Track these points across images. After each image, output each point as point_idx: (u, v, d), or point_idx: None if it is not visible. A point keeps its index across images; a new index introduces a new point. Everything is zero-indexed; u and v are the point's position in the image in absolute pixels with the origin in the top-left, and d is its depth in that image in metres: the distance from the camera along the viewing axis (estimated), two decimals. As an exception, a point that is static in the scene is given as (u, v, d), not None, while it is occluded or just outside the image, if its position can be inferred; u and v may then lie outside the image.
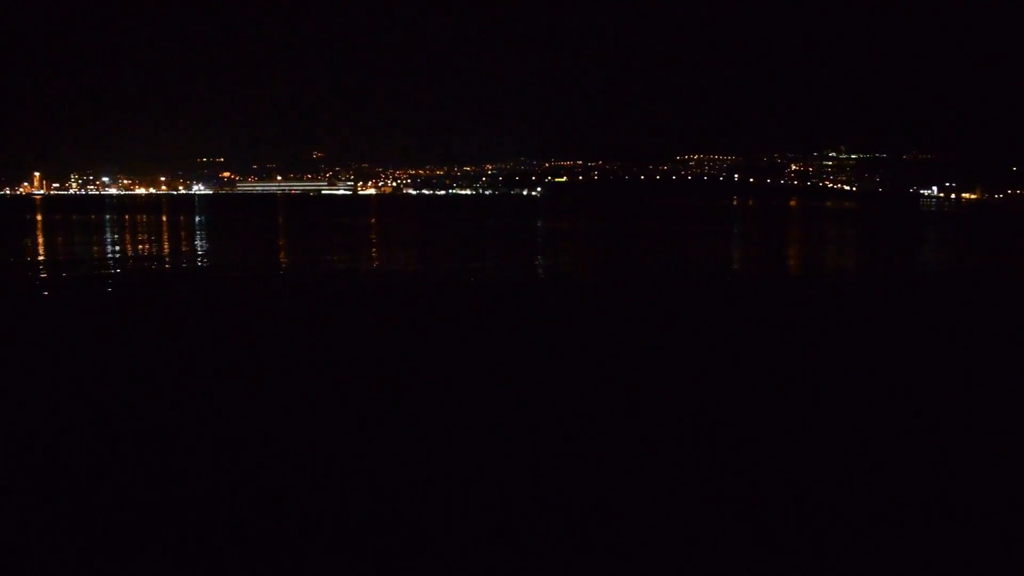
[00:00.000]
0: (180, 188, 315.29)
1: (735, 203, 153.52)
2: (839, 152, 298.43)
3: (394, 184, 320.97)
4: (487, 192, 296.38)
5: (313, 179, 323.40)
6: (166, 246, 32.87)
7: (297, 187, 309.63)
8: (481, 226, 52.50)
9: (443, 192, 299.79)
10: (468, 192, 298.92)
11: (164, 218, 63.20)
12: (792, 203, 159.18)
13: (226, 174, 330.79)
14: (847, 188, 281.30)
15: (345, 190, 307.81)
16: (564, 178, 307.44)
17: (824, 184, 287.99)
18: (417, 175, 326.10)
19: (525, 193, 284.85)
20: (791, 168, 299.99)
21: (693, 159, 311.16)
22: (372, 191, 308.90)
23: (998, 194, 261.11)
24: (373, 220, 63.23)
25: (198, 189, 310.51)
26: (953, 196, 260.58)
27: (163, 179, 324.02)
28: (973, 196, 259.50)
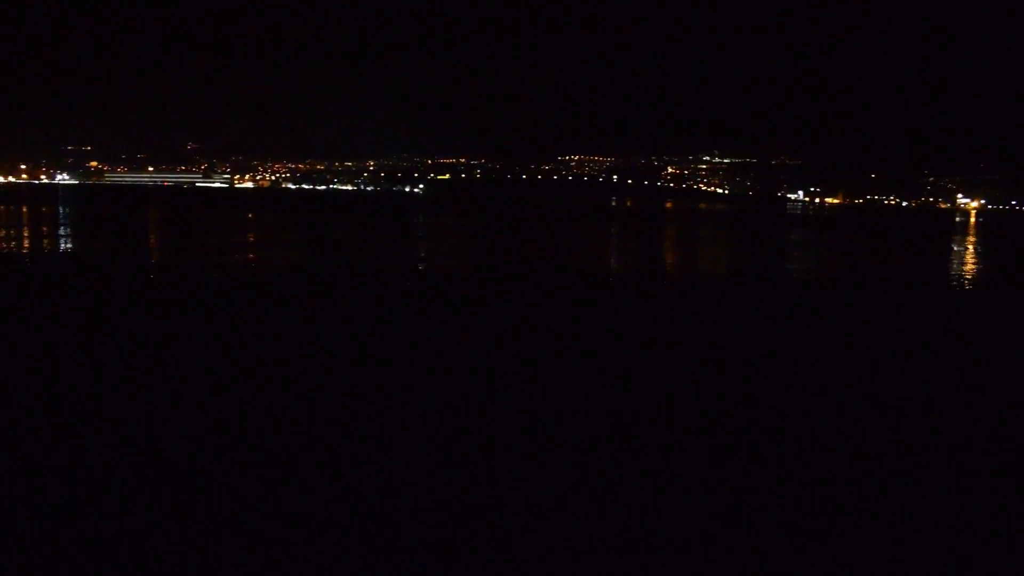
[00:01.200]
0: (42, 178, 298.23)
1: (614, 203, 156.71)
2: (713, 156, 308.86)
3: (273, 178, 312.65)
4: (369, 188, 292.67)
5: (187, 171, 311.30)
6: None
7: (170, 179, 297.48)
8: (363, 223, 51.91)
9: (323, 187, 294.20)
10: (349, 188, 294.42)
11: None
12: (668, 205, 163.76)
13: (93, 164, 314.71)
14: (720, 191, 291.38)
15: (221, 183, 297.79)
16: (447, 175, 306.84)
17: (699, 186, 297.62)
18: (297, 169, 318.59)
19: (408, 190, 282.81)
20: (668, 170, 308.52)
21: (574, 159, 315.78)
22: (249, 185, 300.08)
23: (858, 199, 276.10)
24: (250, 215, 61.61)
25: (62, 179, 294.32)
26: (817, 200, 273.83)
27: (23, 167, 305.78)
28: (836, 200, 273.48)
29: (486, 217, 65.42)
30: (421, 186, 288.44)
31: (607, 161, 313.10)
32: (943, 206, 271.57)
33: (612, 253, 32.71)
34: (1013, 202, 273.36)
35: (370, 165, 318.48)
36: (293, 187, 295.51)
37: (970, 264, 32.12)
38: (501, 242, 36.59)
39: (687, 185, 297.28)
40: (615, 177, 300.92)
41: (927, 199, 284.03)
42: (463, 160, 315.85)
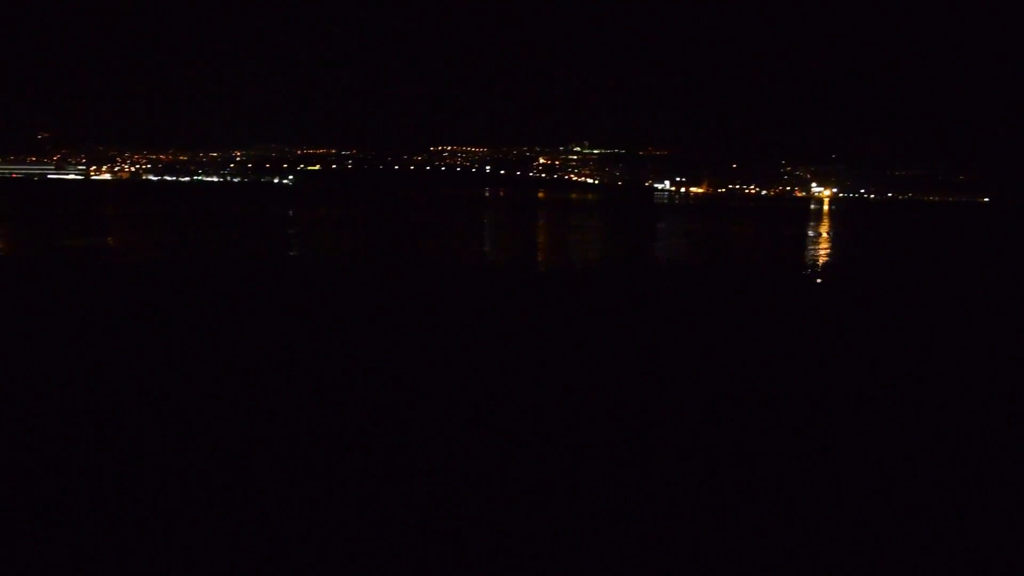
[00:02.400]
0: None
1: (487, 194, 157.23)
2: (583, 147, 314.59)
3: (133, 169, 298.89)
4: (235, 179, 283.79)
5: (38, 162, 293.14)
6: None
7: (19, 170, 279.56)
8: (225, 214, 50.22)
9: (187, 179, 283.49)
10: (215, 179, 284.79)
11: None
12: (540, 194, 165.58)
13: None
14: (590, 181, 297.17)
15: (76, 175, 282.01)
16: (317, 166, 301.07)
17: (570, 177, 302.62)
18: (158, 160, 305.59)
19: (277, 181, 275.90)
20: (539, 161, 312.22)
21: (447, 150, 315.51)
22: (107, 176, 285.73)
23: (721, 188, 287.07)
24: (108, 208, 58.65)
25: None
26: (683, 189, 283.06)
27: None
28: (700, 190, 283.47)
29: (358, 208, 64.48)
30: (291, 177, 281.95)
31: (480, 152, 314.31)
32: (799, 194, 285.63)
33: (488, 242, 32.76)
34: (861, 190, 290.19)
35: (237, 155, 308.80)
36: (155, 178, 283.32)
37: (822, 249, 33.82)
38: (374, 233, 36.12)
39: (558, 175, 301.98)
40: (488, 168, 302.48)
41: (784, 188, 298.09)
42: (334, 151, 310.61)
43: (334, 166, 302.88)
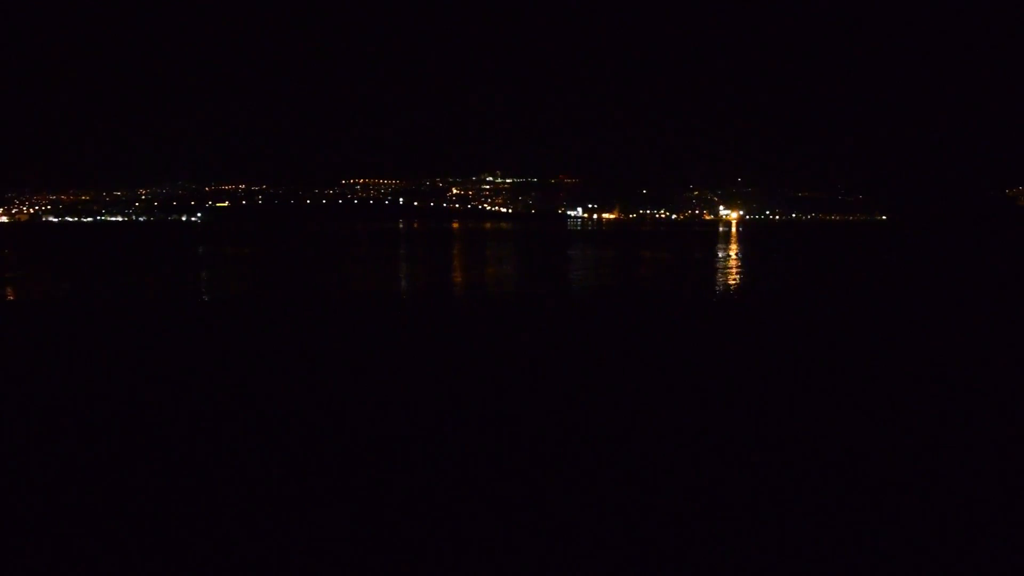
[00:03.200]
0: None
1: (401, 226, 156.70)
2: (495, 176, 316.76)
3: (32, 211, 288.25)
4: (142, 218, 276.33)
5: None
6: None
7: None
8: (125, 257, 48.65)
9: (90, 219, 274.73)
10: (120, 219, 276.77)
11: None
12: (455, 225, 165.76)
13: None
14: (504, 210, 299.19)
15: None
16: (227, 203, 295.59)
17: (483, 206, 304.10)
18: (59, 200, 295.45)
19: (184, 219, 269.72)
20: (452, 192, 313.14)
21: (360, 183, 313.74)
22: (4, 219, 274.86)
23: (632, 214, 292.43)
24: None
25: None
26: (596, 216, 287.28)
27: None
28: (612, 215, 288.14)
29: (269, 245, 63.29)
30: (199, 214, 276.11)
31: (393, 184, 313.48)
32: (708, 217, 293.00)
33: (401, 275, 32.45)
34: (767, 212, 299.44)
35: (143, 194, 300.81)
36: (55, 220, 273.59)
37: (732, 268, 34.55)
38: (285, 270, 35.41)
39: (472, 205, 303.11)
40: (401, 200, 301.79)
41: (693, 211, 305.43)
42: (243, 186, 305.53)
43: (244, 202, 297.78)
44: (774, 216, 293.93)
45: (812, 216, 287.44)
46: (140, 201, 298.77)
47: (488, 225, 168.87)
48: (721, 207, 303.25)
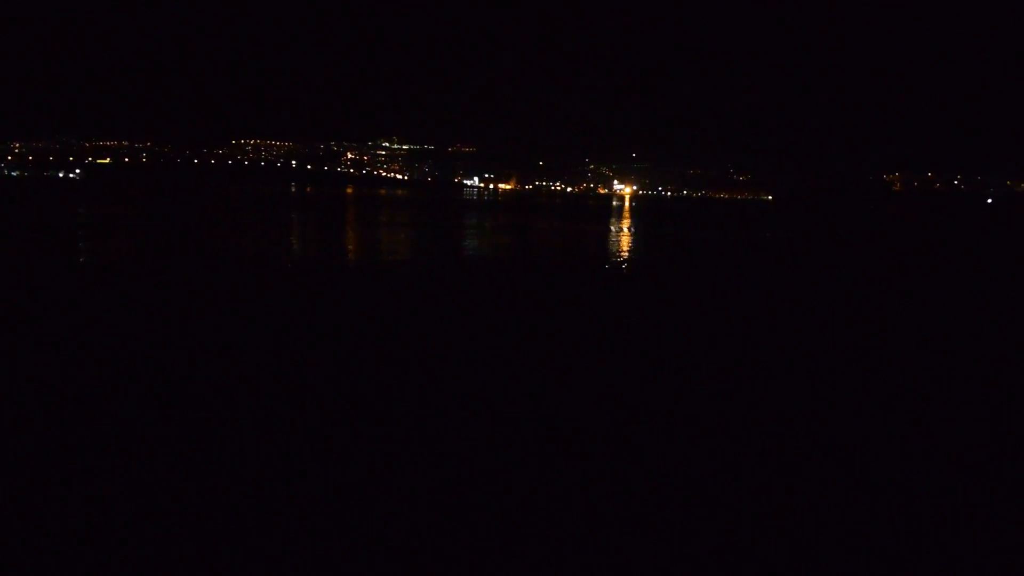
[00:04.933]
0: None
1: (293, 190, 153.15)
2: (392, 142, 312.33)
3: None
4: (14, 173, 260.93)
5: None
6: None
7: None
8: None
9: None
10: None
11: None
12: (349, 190, 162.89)
13: None
14: (400, 177, 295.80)
15: None
16: (108, 160, 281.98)
17: (379, 172, 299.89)
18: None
19: (62, 175, 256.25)
20: (347, 156, 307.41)
21: (250, 144, 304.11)
22: None
23: (528, 185, 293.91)
24: None
25: None
26: (492, 186, 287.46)
27: None
28: (509, 186, 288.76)
29: (155, 206, 60.91)
30: (78, 171, 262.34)
31: (285, 146, 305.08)
32: (602, 191, 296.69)
33: (294, 240, 31.76)
34: (659, 188, 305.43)
35: (15, 147, 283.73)
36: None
37: (624, 242, 35.21)
38: (172, 233, 34.21)
39: (367, 171, 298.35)
40: (294, 162, 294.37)
41: (588, 185, 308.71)
42: (126, 143, 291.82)
43: (127, 160, 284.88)
44: (666, 192, 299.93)
45: (702, 193, 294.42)
46: (12, 155, 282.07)
47: (383, 192, 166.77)
48: (615, 181, 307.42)
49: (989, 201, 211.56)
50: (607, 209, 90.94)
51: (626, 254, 28.89)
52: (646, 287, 19.30)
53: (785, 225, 61.86)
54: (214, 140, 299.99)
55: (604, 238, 37.51)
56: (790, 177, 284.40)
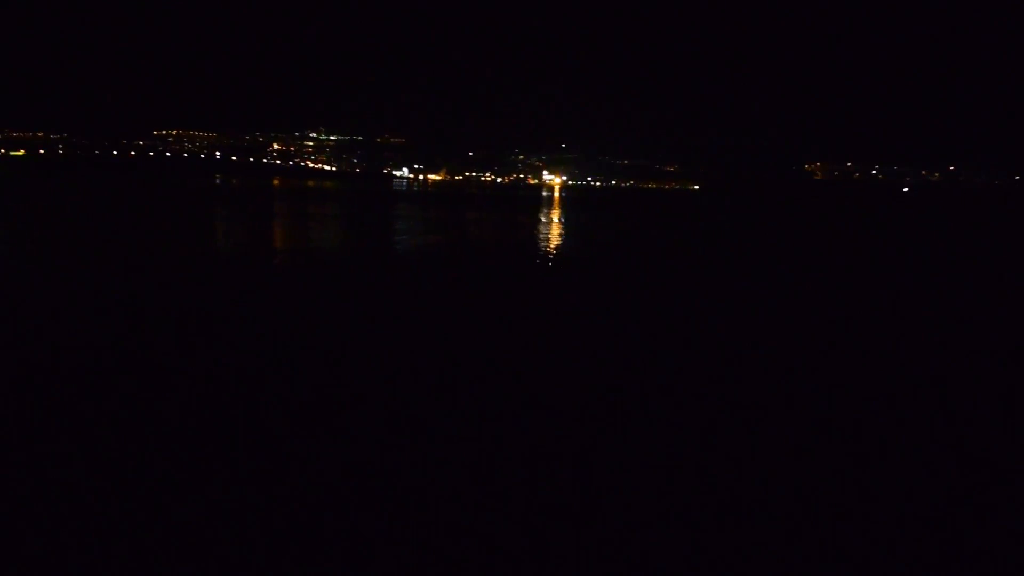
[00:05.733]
0: None
1: (218, 182, 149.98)
2: (320, 133, 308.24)
3: None
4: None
5: None
6: None
7: None
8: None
9: None
10: None
11: None
12: (276, 182, 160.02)
13: None
14: (328, 168, 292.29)
15: None
16: (21, 151, 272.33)
17: (306, 164, 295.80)
18: None
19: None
20: (274, 147, 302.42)
21: (172, 135, 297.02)
22: None
23: (458, 176, 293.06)
24: None
25: None
26: (422, 177, 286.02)
27: None
28: (439, 177, 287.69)
29: (71, 200, 58.85)
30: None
31: (209, 137, 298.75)
32: (532, 181, 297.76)
33: (221, 234, 30.94)
34: (589, 178, 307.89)
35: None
36: None
37: (554, 231, 35.24)
38: (91, 228, 33.00)
39: (294, 162, 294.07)
40: (218, 154, 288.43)
41: (518, 175, 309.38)
42: (41, 134, 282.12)
43: (42, 151, 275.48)
44: (596, 182, 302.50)
45: (631, 183, 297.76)
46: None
47: (311, 183, 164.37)
48: (545, 172, 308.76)
49: (905, 190, 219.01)
50: (537, 199, 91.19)
51: (556, 244, 28.91)
52: (575, 277, 19.27)
53: (711, 214, 62.95)
54: (134, 131, 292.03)
55: (534, 228, 37.51)
56: (716, 167, 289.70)
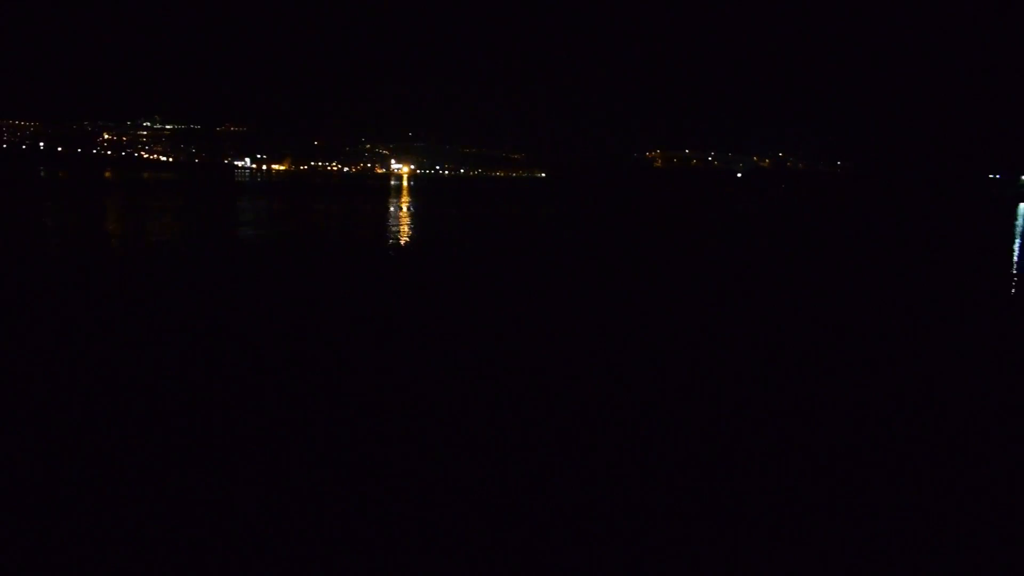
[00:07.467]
0: None
1: (43, 175, 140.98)
2: (154, 122, 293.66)
3: None
4: None
5: None
6: None
7: None
8: None
9: None
10: None
11: None
12: (107, 174, 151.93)
13: None
14: (164, 159, 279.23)
15: None
16: None
17: (140, 154, 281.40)
18: None
19: None
20: (104, 137, 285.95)
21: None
22: None
23: (303, 166, 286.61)
24: None
25: None
26: (265, 167, 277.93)
27: None
28: (283, 167, 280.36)
29: None
30: None
31: (30, 126, 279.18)
32: (380, 171, 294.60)
33: (64, 230, 29.56)
34: (437, 167, 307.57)
35: None
36: None
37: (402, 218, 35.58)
38: None
39: (127, 153, 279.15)
40: (42, 144, 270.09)
41: (366, 165, 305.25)
42: None
43: None
44: (444, 171, 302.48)
45: (479, 171, 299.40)
46: None
47: (147, 175, 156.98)
48: (393, 161, 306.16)
49: (739, 175, 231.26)
50: (385, 189, 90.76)
51: (404, 232, 29.28)
52: (427, 264, 19.79)
53: (557, 200, 64.70)
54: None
55: (382, 217, 37.69)
56: (561, 155, 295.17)
